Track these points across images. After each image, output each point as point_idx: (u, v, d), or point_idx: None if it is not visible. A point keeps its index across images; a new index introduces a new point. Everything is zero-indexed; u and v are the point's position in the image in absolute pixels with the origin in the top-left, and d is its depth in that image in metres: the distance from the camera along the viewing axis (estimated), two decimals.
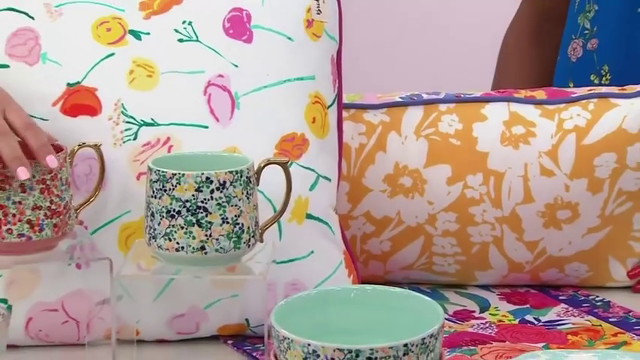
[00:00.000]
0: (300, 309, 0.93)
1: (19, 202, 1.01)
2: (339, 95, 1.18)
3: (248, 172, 1.03)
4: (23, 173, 1.00)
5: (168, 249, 1.01)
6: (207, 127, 1.11)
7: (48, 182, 1.02)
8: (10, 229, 1.02)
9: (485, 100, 1.24)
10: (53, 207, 1.03)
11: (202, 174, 1.01)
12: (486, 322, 1.19)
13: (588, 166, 1.22)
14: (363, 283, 1.16)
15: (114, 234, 1.10)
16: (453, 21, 2.53)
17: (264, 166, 1.05)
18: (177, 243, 1.01)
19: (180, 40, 1.13)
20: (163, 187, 1.01)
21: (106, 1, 1.14)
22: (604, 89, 1.26)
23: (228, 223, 1.02)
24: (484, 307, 1.23)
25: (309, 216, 1.13)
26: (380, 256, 1.25)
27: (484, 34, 2.04)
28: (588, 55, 1.48)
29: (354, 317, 0.95)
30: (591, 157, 1.22)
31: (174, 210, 1.01)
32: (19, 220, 1.02)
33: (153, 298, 1.11)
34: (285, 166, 1.06)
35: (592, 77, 1.48)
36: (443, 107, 1.24)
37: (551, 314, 1.21)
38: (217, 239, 1.01)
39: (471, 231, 1.23)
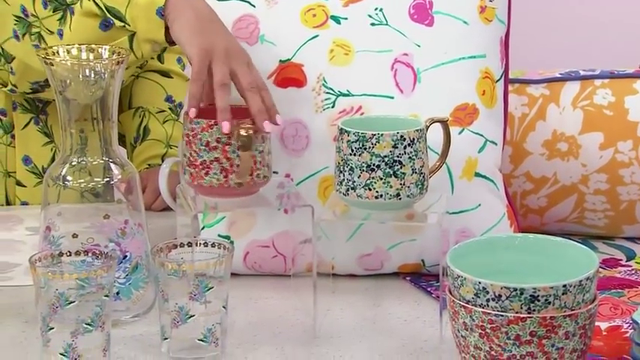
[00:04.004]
0: (470, 252, 0.94)
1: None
2: (505, 71, 1.18)
3: (426, 130, 1.06)
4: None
5: (368, 197, 1.04)
6: (392, 98, 1.13)
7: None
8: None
9: (637, 76, 1.22)
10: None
11: (397, 133, 1.03)
12: (632, 270, 1.17)
13: None
14: (522, 232, 1.16)
15: (314, 185, 1.13)
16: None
17: (430, 125, 1.07)
18: (377, 192, 1.03)
19: (373, 24, 1.15)
20: (363, 145, 1.03)
21: None
22: None
23: (416, 173, 1.04)
24: (630, 256, 1.21)
25: (477, 174, 1.14)
26: (537, 210, 1.25)
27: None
28: None
29: (518, 261, 0.95)
30: None
31: (373, 164, 1.03)
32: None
33: (346, 239, 1.14)
34: (445, 123, 1.07)
35: None
36: (598, 82, 1.23)
37: None
38: (409, 187, 1.04)
39: (620, 190, 1.22)
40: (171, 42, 1.10)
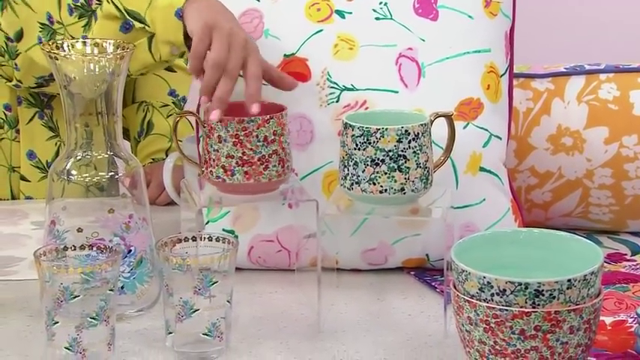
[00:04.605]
0: (475, 247, 0.94)
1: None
2: (510, 66, 1.18)
3: (430, 125, 1.06)
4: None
5: (372, 192, 1.04)
6: (397, 92, 1.13)
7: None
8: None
9: None
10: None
11: (402, 127, 1.03)
12: (637, 264, 1.18)
13: None
14: (526, 227, 1.17)
15: (319, 180, 1.14)
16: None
17: (434, 119, 1.07)
18: (381, 186, 1.04)
19: (377, 18, 1.15)
20: (367, 140, 1.03)
21: None
22: None
23: (420, 167, 1.04)
24: (635, 250, 1.22)
25: (482, 169, 1.14)
26: (542, 205, 1.25)
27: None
28: None
29: (522, 255, 0.95)
30: None
31: (378, 159, 1.03)
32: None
33: (350, 234, 1.14)
34: (450, 118, 1.07)
35: None
36: (603, 77, 1.23)
37: None
38: (413, 181, 1.04)
39: (624, 185, 1.22)
40: (190, 46, 1.10)
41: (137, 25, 1.12)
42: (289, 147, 1.09)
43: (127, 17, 1.10)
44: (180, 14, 1.09)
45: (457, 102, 1.14)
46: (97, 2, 1.09)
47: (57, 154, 1.38)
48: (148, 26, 1.12)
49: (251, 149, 1.05)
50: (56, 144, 1.38)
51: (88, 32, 1.04)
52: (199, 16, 1.06)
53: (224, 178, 1.05)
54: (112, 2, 1.08)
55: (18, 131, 1.37)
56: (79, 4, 1.04)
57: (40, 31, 1.18)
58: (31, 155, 1.37)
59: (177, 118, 1.08)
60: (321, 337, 1.03)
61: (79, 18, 1.04)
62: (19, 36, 1.25)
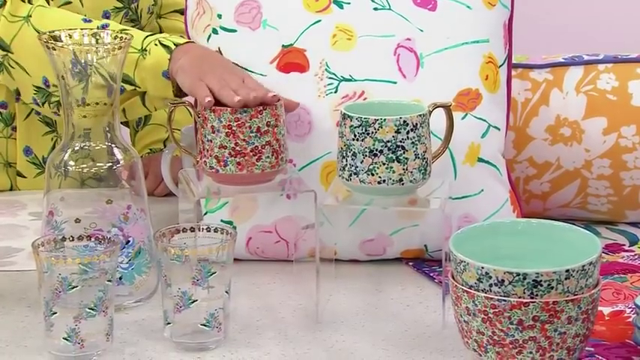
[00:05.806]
0: (473, 237, 0.95)
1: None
2: (509, 56, 1.18)
3: (428, 115, 1.06)
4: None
5: (370, 182, 1.04)
6: (395, 83, 1.13)
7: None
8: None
9: None
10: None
11: (400, 118, 1.03)
12: (635, 255, 1.18)
13: None
14: (524, 218, 1.17)
15: (317, 171, 1.14)
16: None
17: (433, 110, 1.07)
18: (380, 177, 1.04)
19: (376, 9, 1.15)
20: (366, 130, 1.03)
21: None
22: None
23: (419, 158, 1.04)
24: (633, 241, 1.22)
25: (480, 159, 1.14)
26: (540, 195, 1.25)
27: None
28: None
29: (520, 246, 0.96)
30: None
31: (376, 149, 1.04)
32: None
33: (348, 224, 1.14)
34: (448, 108, 1.08)
35: None
36: (601, 67, 1.23)
37: None
38: (412, 172, 1.04)
39: (623, 175, 1.22)
40: (183, 95, 1.16)
41: (128, 87, 1.17)
42: (284, 138, 1.09)
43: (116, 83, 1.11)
44: (167, 75, 1.15)
45: (455, 92, 1.14)
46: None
47: (53, 149, 1.37)
48: (139, 87, 1.17)
49: (244, 140, 1.05)
50: (52, 139, 1.38)
51: (86, 94, 1.06)
52: (186, 77, 1.11)
53: (217, 168, 1.06)
54: (97, 71, 1.09)
55: (14, 128, 1.37)
56: (77, 70, 1.05)
57: (35, 93, 1.23)
58: (27, 151, 1.37)
59: (171, 107, 1.08)
60: (319, 328, 1.04)
61: (79, 81, 1.05)
62: (17, 93, 1.30)
